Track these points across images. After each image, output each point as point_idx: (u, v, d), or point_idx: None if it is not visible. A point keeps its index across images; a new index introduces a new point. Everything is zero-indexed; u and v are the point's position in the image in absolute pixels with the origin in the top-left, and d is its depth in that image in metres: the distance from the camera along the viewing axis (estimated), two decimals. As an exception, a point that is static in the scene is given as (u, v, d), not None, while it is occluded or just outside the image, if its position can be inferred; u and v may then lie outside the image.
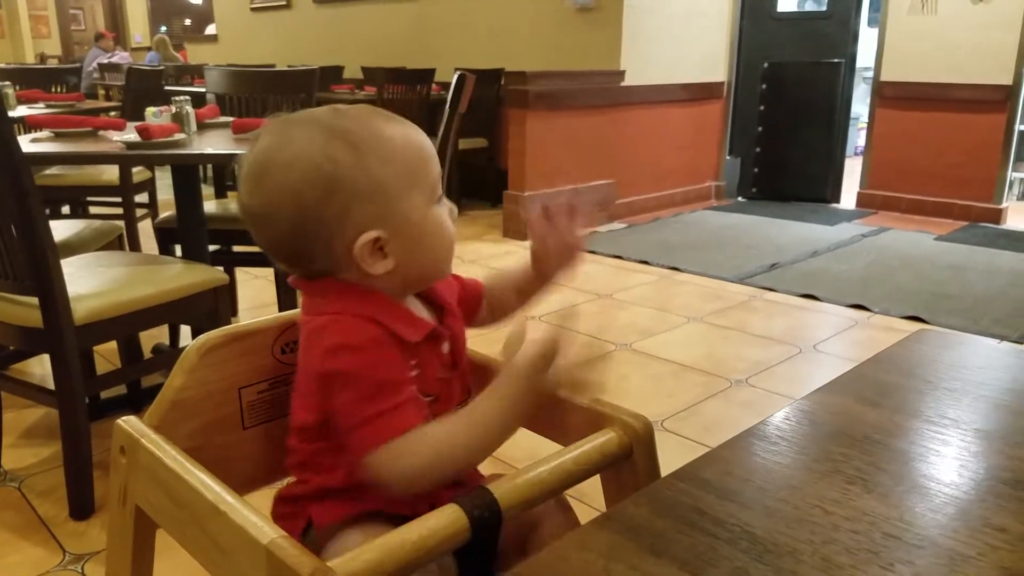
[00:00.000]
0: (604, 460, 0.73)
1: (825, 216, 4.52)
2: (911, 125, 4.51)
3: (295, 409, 0.76)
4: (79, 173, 3.07)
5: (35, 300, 1.42)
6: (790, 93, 4.91)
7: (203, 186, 2.19)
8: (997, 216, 4.30)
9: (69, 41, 11.93)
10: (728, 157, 5.14)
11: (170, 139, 1.83)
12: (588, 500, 0.99)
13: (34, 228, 1.37)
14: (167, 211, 2.27)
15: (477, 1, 4.95)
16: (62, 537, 1.47)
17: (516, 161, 4.01)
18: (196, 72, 5.97)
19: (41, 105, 3.23)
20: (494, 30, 4.88)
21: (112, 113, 3.60)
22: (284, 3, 6.43)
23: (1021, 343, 2.50)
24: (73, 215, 3.34)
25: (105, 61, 7.58)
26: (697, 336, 2.60)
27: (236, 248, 2.33)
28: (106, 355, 2.26)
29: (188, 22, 11.65)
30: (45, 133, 2.04)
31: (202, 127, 2.19)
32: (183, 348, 0.79)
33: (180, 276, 1.66)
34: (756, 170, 5.10)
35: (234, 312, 2.53)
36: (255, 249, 0.77)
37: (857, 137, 6.36)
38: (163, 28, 11.11)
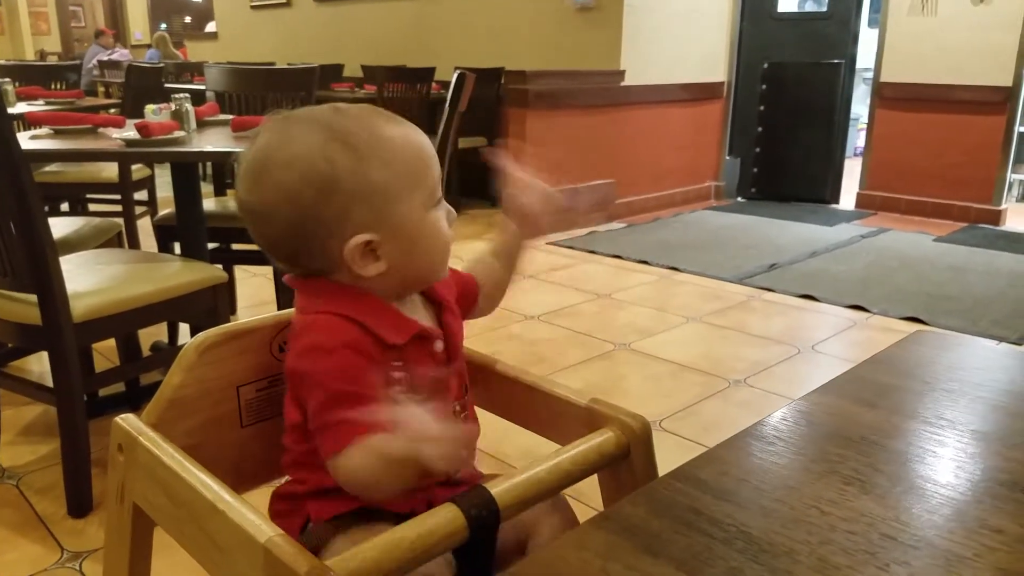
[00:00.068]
0: (602, 460, 0.73)
1: (824, 217, 4.52)
2: (911, 126, 4.51)
3: (287, 407, 0.76)
4: (78, 170, 3.07)
5: (34, 297, 1.41)
6: (790, 93, 4.91)
7: (202, 184, 2.19)
8: (996, 217, 4.30)
9: (69, 38, 11.92)
10: (728, 157, 5.14)
11: (169, 137, 1.83)
12: (586, 500, 0.99)
13: (33, 225, 1.37)
14: (166, 209, 2.26)
15: (477, 0, 4.95)
16: (60, 535, 1.47)
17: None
18: (196, 70, 5.96)
19: (41, 102, 3.23)
20: (494, 29, 4.88)
21: (112, 110, 3.60)
22: (284, 1, 6.43)
23: (1020, 344, 2.50)
24: (72, 212, 3.34)
25: (105, 58, 7.58)
26: (696, 336, 2.60)
27: (235, 246, 2.33)
28: (105, 353, 2.26)
29: (188, 19, 11.65)
30: (44, 130, 2.04)
31: (202, 125, 2.19)
32: (182, 346, 0.79)
33: (179, 274, 1.65)
34: (756, 170, 5.10)
35: (233, 310, 2.53)
36: (254, 247, 0.77)
37: (857, 138, 6.37)
38: (163, 25, 11.09)
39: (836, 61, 4.77)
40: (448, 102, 1.96)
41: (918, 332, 0.82)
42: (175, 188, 2.03)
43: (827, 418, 0.63)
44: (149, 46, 9.00)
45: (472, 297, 0.87)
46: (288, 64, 4.95)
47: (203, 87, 2.88)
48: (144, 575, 0.80)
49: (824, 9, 4.88)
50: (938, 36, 4.30)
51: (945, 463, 0.56)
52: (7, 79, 3.17)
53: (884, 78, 4.57)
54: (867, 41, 4.97)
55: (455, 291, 0.84)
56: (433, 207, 0.73)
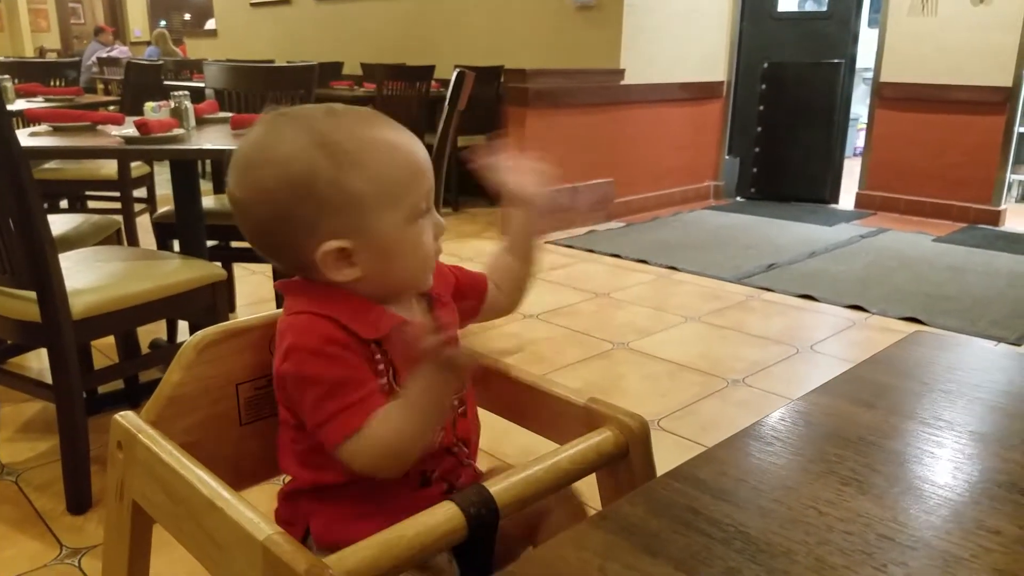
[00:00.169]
0: (600, 459, 0.73)
1: (824, 217, 4.52)
2: (910, 126, 4.51)
3: (281, 408, 0.76)
4: (78, 167, 3.07)
5: (33, 294, 1.41)
6: (790, 93, 4.91)
7: (201, 181, 2.19)
8: (996, 218, 4.30)
9: (68, 35, 11.91)
10: (727, 157, 5.14)
11: (169, 134, 1.83)
12: (584, 499, 0.99)
13: (32, 222, 1.37)
14: (165, 206, 2.26)
15: (477, -2, 4.95)
16: (59, 531, 1.47)
17: (515, 159, 4.01)
18: (195, 67, 5.95)
19: (40, 99, 3.23)
20: (494, 27, 4.88)
21: (111, 107, 3.60)
22: (284, -2, 6.42)
23: (1018, 345, 2.50)
24: (71, 209, 3.33)
25: (104, 55, 7.56)
26: (694, 336, 2.60)
27: (234, 244, 2.33)
28: (104, 350, 2.26)
29: (188, 17, 11.63)
30: (44, 127, 2.04)
31: (201, 122, 2.19)
32: (181, 344, 0.79)
33: (178, 271, 1.65)
34: (755, 170, 5.10)
35: (232, 308, 2.53)
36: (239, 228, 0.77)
37: (856, 138, 6.37)
38: (162, 22, 11.08)
39: (836, 61, 4.77)
40: (448, 100, 1.96)
41: (917, 332, 0.83)
42: (174, 186, 2.03)
43: (825, 418, 0.63)
44: (148, 43, 8.99)
45: (479, 294, 0.87)
46: (287, 62, 4.93)
47: (202, 84, 2.87)
48: (143, 572, 0.80)
49: (824, 9, 4.88)
50: (938, 36, 4.30)
51: (943, 464, 0.56)
52: (6, 76, 3.17)
53: (884, 78, 4.57)
54: (867, 41, 4.97)
55: (452, 286, 0.84)
56: (417, 219, 0.72)
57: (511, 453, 1.56)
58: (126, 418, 0.75)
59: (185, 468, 0.67)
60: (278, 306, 0.79)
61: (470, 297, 0.85)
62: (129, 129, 1.88)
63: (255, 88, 2.57)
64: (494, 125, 4.66)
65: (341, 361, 0.69)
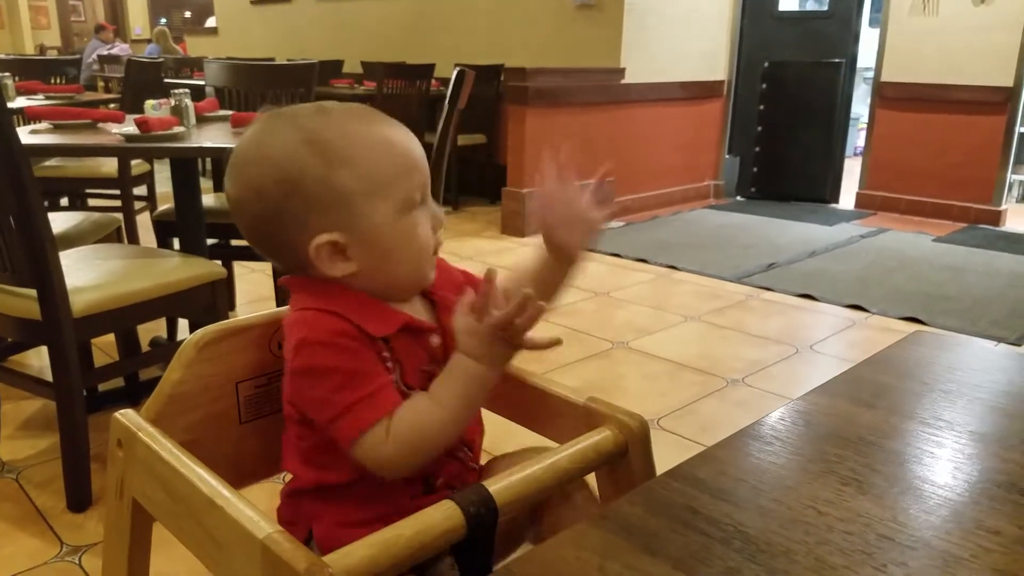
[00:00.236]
0: (599, 458, 0.73)
1: (824, 216, 4.52)
2: (911, 126, 4.51)
3: (284, 405, 0.76)
4: (78, 165, 3.07)
5: (33, 292, 1.42)
6: (790, 93, 4.91)
7: (201, 179, 2.19)
8: (996, 218, 4.30)
9: (69, 32, 11.90)
10: (727, 156, 5.14)
11: (169, 132, 1.83)
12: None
13: (32, 220, 1.37)
14: (165, 204, 2.26)
15: (478, -3, 4.95)
16: (59, 529, 1.47)
17: (515, 158, 4.01)
18: (196, 65, 5.95)
19: (40, 96, 3.23)
20: (494, 26, 4.87)
21: (111, 105, 3.60)
22: (285, -3, 6.42)
23: (1018, 345, 2.50)
24: (72, 207, 3.34)
25: (105, 53, 7.56)
26: (694, 335, 2.60)
27: (234, 242, 2.33)
28: (104, 348, 2.26)
29: (188, 14, 11.62)
30: (44, 124, 2.04)
31: (201, 120, 2.19)
32: (181, 342, 0.79)
33: (178, 269, 1.65)
34: (755, 169, 5.10)
35: (231, 306, 2.53)
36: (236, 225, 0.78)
37: (857, 137, 6.37)
38: (163, 20, 11.08)
39: (837, 60, 4.77)
40: (448, 99, 1.96)
41: (917, 332, 0.83)
42: (174, 184, 2.03)
43: (825, 418, 0.63)
44: (149, 41, 8.99)
45: None
46: (288, 60, 4.94)
47: (203, 82, 2.87)
48: (143, 570, 0.80)
49: (825, 8, 4.88)
50: (939, 36, 4.30)
51: (943, 464, 0.56)
52: (7, 73, 3.17)
53: (885, 78, 4.57)
54: (868, 41, 4.96)
55: (459, 290, 0.82)
56: (411, 211, 0.72)
57: (508, 450, 1.56)
58: (126, 416, 0.75)
59: (185, 466, 0.67)
60: (278, 304, 0.79)
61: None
62: (129, 127, 1.88)
63: (255, 86, 2.57)
64: (494, 124, 4.66)
65: (353, 352, 0.69)
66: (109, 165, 3.03)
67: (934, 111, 4.40)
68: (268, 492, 0.81)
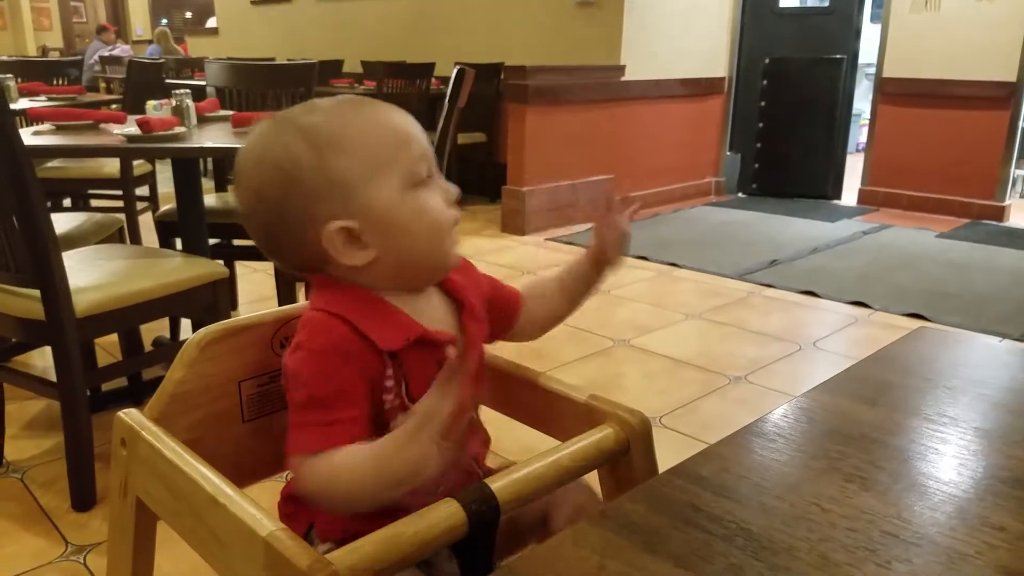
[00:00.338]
0: (601, 456, 0.73)
1: (826, 213, 4.52)
2: (913, 122, 4.50)
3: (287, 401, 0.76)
4: (80, 166, 3.07)
5: (36, 292, 1.42)
6: (791, 89, 4.90)
7: (203, 179, 2.19)
8: (999, 214, 4.29)
9: (70, 34, 11.92)
10: (728, 153, 5.13)
11: (170, 132, 1.83)
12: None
13: (35, 221, 1.37)
14: (167, 204, 2.27)
15: (479, -5, 4.94)
16: (64, 528, 1.48)
17: (515, 156, 4.01)
18: (197, 65, 5.95)
19: (42, 98, 3.23)
20: (494, 24, 4.87)
21: (113, 106, 3.60)
22: (285, -4, 6.42)
23: (1022, 341, 2.50)
24: (74, 208, 3.34)
25: (106, 54, 7.58)
26: (695, 332, 2.60)
27: (236, 242, 2.33)
28: (107, 348, 2.26)
29: (189, 15, 11.63)
30: (46, 126, 2.04)
31: (202, 120, 2.19)
32: (183, 341, 0.79)
33: (180, 269, 1.66)
34: (756, 166, 5.09)
35: (234, 306, 2.53)
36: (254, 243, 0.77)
37: (859, 134, 6.35)
38: (164, 21, 11.08)
39: (838, 56, 4.75)
40: (447, 98, 1.96)
41: (920, 329, 0.82)
42: (176, 184, 2.03)
43: (828, 415, 0.63)
44: (150, 42, 8.99)
45: (510, 310, 0.85)
46: (288, 60, 4.94)
47: (204, 83, 2.88)
48: (147, 568, 0.80)
49: (826, 4, 4.87)
50: (941, 31, 4.29)
51: (947, 460, 0.56)
52: (9, 75, 3.17)
53: (886, 73, 4.56)
54: (869, 36, 4.95)
55: (485, 296, 0.81)
56: (416, 185, 0.70)
57: (512, 450, 1.56)
58: (129, 415, 0.75)
59: (188, 465, 0.67)
60: (280, 304, 0.79)
61: (497, 317, 0.83)
62: (131, 127, 1.88)
63: (256, 86, 2.57)
64: (494, 122, 4.66)
65: (334, 373, 0.67)
66: (111, 166, 3.04)
67: (936, 107, 4.39)
68: (270, 491, 0.81)
